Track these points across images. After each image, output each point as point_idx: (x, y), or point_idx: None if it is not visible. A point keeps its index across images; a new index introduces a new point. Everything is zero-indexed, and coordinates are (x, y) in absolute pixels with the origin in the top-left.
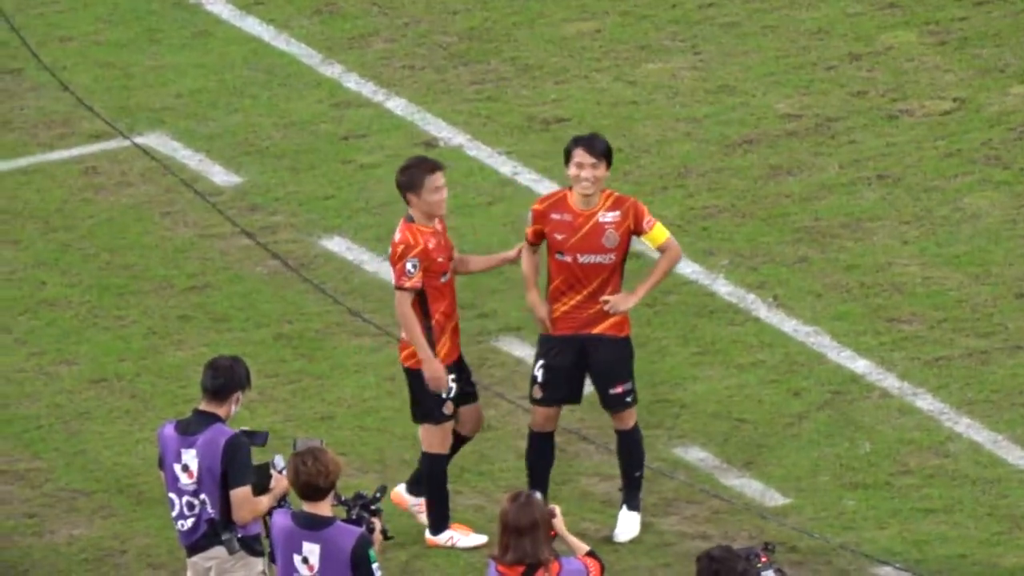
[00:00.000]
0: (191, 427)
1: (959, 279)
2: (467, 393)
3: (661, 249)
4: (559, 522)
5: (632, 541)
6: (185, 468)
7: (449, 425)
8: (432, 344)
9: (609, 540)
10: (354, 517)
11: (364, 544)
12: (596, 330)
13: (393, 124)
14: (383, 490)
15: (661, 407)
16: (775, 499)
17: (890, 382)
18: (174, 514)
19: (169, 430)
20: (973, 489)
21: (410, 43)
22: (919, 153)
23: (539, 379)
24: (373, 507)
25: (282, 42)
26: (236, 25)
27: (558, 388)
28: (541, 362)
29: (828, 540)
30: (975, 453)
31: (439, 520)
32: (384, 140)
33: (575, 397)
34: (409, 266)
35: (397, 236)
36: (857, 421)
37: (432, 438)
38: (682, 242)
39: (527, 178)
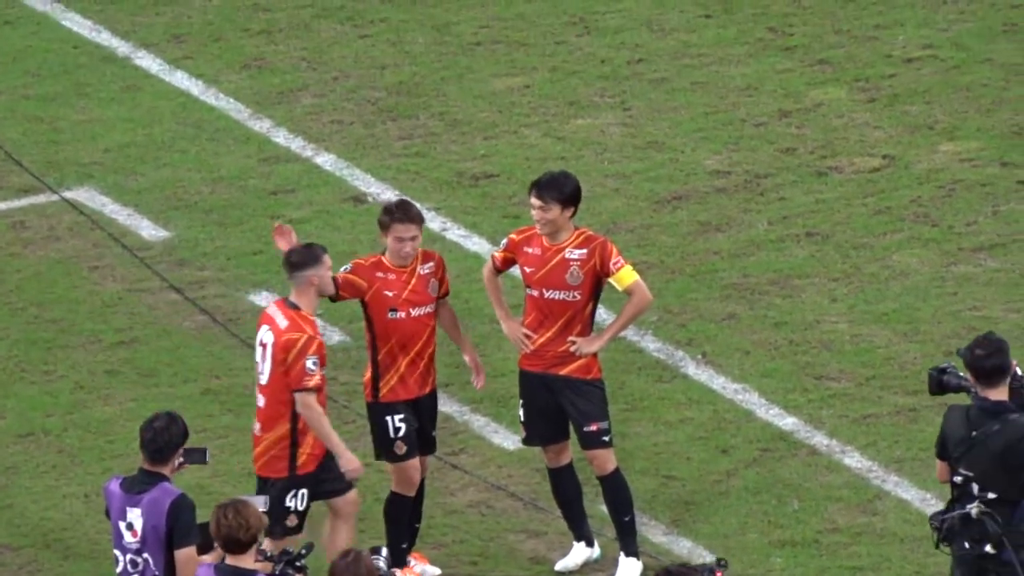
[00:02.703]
0: (136, 485)
1: (888, 336)
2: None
3: (628, 292)
4: None
5: None
6: (130, 527)
7: (406, 465)
8: (377, 380)
9: None
10: (277, 573)
11: None
12: (564, 371)
13: (322, 179)
14: (309, 547)
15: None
16: (703, 556)
17: (818, 440)
18: (118, 570)
19: (114, 486)
20: (901, 547)
21: (339, 98)
22: (848, 210)
23: (521, 418)
24: (298, 563)
25: (211, 97)
26: (165, 79)
27: (539, 426)
28: (521, 402)
29: None
30: (903, 511)
31: (396, 557)
32: (313, 195)
33: (561, 434)
34: (342, 268)
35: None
36: (785, 479)
37: (394, 476)
38: (610, 298)
39: (456, 234)
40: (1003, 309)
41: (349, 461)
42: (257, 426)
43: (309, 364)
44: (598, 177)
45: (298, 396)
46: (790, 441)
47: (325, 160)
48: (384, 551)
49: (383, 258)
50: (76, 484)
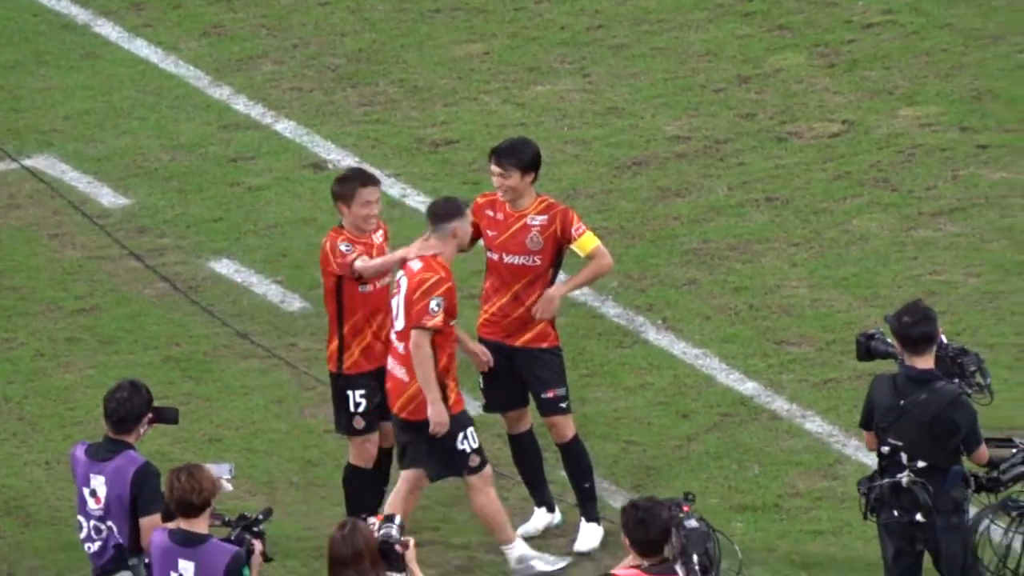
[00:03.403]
0: (100, 452)
1: (848, 301)
2: (383, 408)
3: (590, 257)
4: (411, 554)
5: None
6: (93, 493)
7: (364, 440)
8: (341, 352)
9: (495, 563)
10: (233, 538)
11: (237, 562)
12: (519, 342)
13: (282, 146)
14: (268, 512)
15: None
16: None
17: (779, 404)
18: (82, 536)
19: (80, 452)
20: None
21: (299, 65)
22: (808, 175)
23: (481, 386)
24: (256, 528)
25: (171, 64)
26: (125, 47)
27: (498, 394)
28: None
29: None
30: (863, 475)
31: None
32: (272, 162)
33: (520, 401)
34: (342, 247)
35: (326, 243)
36: (746, 443)
37: (351, 450)
38: (571, 264)
39: (416, 200)
40: (962, 273)
41: (439, 414)
42: (401, 371)
43: (432, 304)
44: (558, 143)
45: (413, 333)
46: (751, 406)
47: (285, 127)
48: (398, 519)
49: (344, 231)
50: (37, 451)
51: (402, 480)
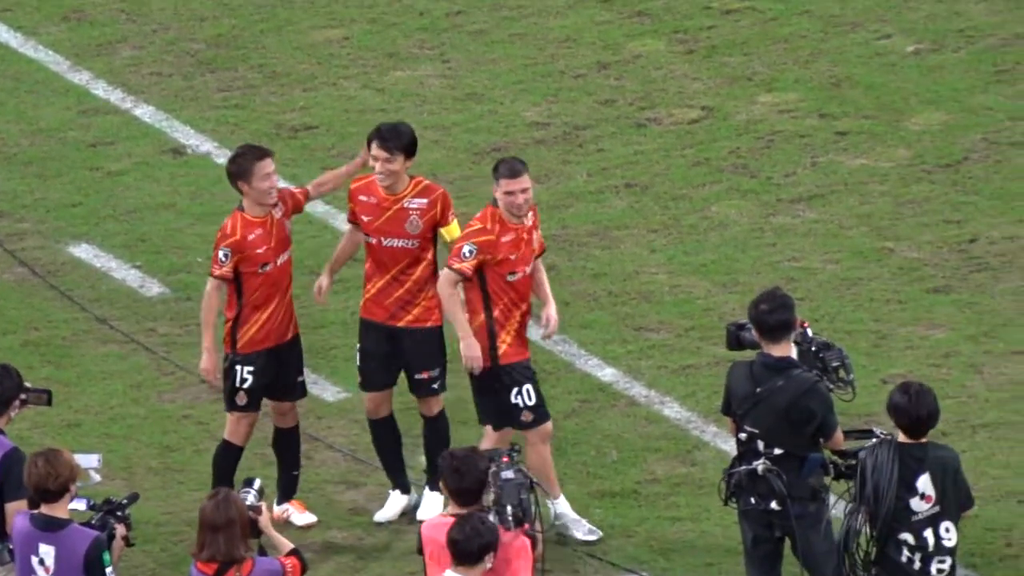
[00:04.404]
0: None
1: (706, 287)
2: (275, 387)
3: (454, 243)
4: (265, 519)
5: (382, 549)
6: None
7: (243, 416)
8: (236, 330)
9: (353, 547)
10: (94, 522)
11: (98, 547)
12: (402, 323)
13: (141, 131)
14: (134, 497)
15: (404, 416)
16: None
17: (637, 390)
18: None
19: None
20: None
21: (158, 50)
22: (667, 161)
23: (359, 364)
24: (119, 512)
25: (30, 49)
26: None
27: (376, 374)
28: (359, 347)
29: (575, 548)
30: (722, 461)
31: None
32: (132, 147)
33: (393, 381)
34: (220, 255)
35: (225, 226)
36: (604, 429)
37: (228, 424)
38: None
39: None
40: (821, 260)
41: (469, 348)
42: None
43: (466, 249)
44: (418, 129)
45: (443, 272)
46: (609, 392)
47: (144, 112)
48: (257, 483)
49: (243, 214)
50: None
51: (484, 437)
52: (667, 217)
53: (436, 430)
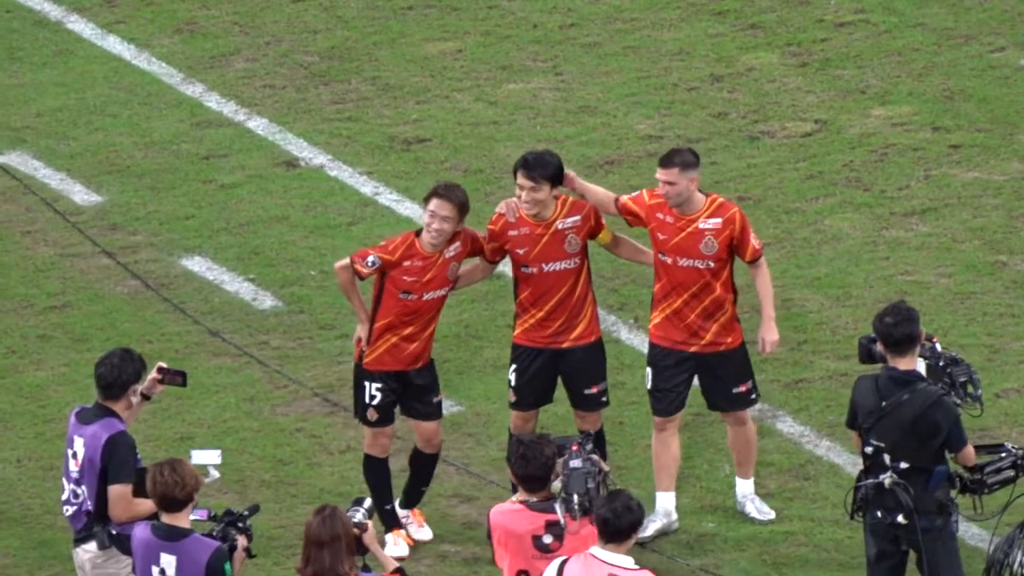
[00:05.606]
0: (86, 416)
1: (820, 301)
2: (408, 406)
3: (612, 245)
4: (370, 536)
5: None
6: (74, 455)
7: (379, 431)
8: (367, 342)
9: (467, 561)
10: (215, 533)
11: (219, 558)
12: (566, 344)
13: (254, 144)
14: (255, 509)
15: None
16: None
17: None
18: (63, 498)
19: (73, 416)
20: (833, 511)
21: (271, 62)
22: (780, 175)
23: (512, 383)
24: (241, 524)
25: (143, 61)
26: (97, 44)
27: (530, 393)
28: (514, 367)
29: (688, 563)
30: (835, 475)
31: (383, 518)
32: (245, 160)
33: (547, 400)
34: (370, 259)
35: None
36: (717, 443)
37: (366, 438)
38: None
39: (388, 198)
40: (934, 274)
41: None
42: None
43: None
44: (530, 142)
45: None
46: None
47: (257, 124)
48: (367, 502)
49: (416, 238)
50: (8, 449)
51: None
52: (780, 230)
53: (600, 442)
